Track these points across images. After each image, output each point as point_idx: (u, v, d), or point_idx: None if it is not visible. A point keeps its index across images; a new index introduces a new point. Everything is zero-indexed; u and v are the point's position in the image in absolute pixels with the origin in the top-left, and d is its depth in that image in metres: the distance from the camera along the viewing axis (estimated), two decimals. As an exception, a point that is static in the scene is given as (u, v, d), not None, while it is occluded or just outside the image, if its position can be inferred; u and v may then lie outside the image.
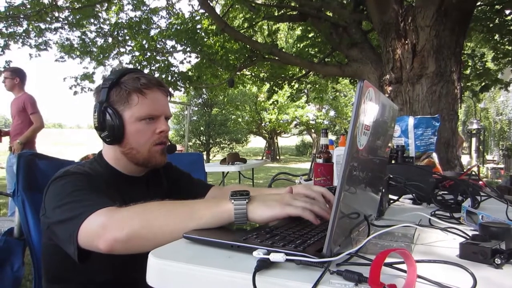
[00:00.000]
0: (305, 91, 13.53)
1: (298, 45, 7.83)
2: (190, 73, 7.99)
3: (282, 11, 6.85)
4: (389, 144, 0.89)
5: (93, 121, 1.04)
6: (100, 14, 7.51)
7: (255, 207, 0.76)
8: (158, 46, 7.70)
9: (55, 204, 0.89)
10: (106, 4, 7.26)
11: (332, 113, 26.11)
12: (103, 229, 0.77)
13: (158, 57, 7.78)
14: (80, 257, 0.82)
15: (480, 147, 13.68)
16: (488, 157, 17.49)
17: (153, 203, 0.80)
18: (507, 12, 6.07)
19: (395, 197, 1.21)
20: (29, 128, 3.86)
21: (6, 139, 4.02)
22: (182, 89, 8.07)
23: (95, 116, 1.03)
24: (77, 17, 7.03)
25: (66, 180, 0.93)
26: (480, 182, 1.40)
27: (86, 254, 0.81)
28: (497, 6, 5.82)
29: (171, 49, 7.85)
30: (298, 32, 9.10)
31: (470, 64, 6.83)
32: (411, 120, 1.83)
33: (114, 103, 1.03)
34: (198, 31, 7.47)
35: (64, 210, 0.86)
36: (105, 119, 1.02)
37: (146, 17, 7.63)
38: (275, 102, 11.06)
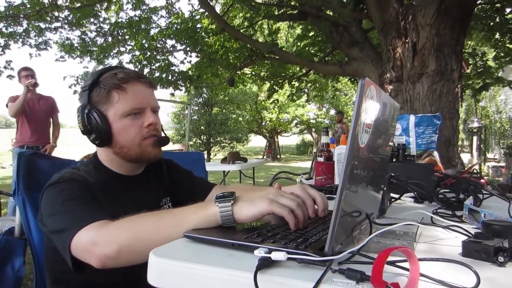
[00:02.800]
0: (306, 90, 13.52)
1: (299, 44, 7.82)
2: (190, 72, 7.99)
3: (282, 10, 6.85)
4: (390, 143, 0.89)
5: (78, 125, 1.03)
6: (99, 14, 7.51)
7: (240, 208, 0.74)
8: (158, 45, 7.69)
9: (48, 211, 0.89)
10: (106, 4, 7.25)
11: (332, 112, 26.07)
12: (93, 245, 0.77)
13: (158, 57, 7.77)
14: (76, 266, 0.82)
15: (481, 145, 13.65)
16: (489, 155, 17.47)
17: (141, 215, 0.80)
18: (508, 10, 6.06)
19: (396, 196, 1.21)
20: (49, 129, 3.97)
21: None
22: (183, 88, 8.07)
23: (79, 120, 1.01)
24: (77, 16, 7.02)
25: (59, 188, 0.92)
26: (482, 180, 1.39)
27: (81, 263, 0.81)
28: (497, 5, 5.81)
29: (171, 49, 7.84)
30: (298, 31, 9.10)
31: (471, 62, 6.83)
32: (412, 119, 1.82)
33: (96, 104, 1.01)
34: (198, 30, 7.47)
35: (56, 220, 0.87)
36: (90, 122, 1.00)
37: (146, 16, 7.63)
38: (276, 101, 11.05)
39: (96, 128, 1.00)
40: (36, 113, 3.90)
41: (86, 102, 1.01)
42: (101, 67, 7.82)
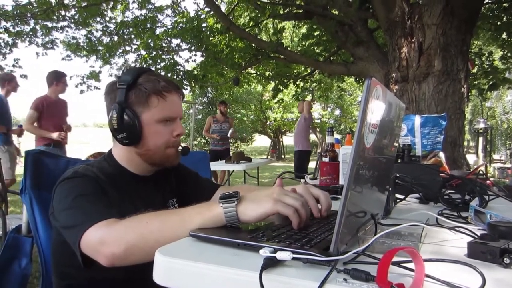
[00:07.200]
0: (311, 89, 13.49)
1: (304, 43, 7.82)
2: (195, 71, 8.01)
3: (288, 9, 6.84)
4: (396, 143, 0.88)
5: (109, 121, 1.03)
6: (105, 13, 7.55)
7: (245, 208, 0.74)
8: (163, 44, 7.72)
9: (61, 206, 0.91)
10: (112, 3, 7.29)
11: (337, 112, 26.00)
12: (102, 245, 0.78)
13: (163, 56, 7.80)
14: (86, 262, 0.83)
15: (487, 146, 13.55)
16: (495, 156, 17.33)
17: (147, 215, 0.81)
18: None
19: (401, 196, 1.20)
20: None
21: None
22: (188, 87, 8.10)
23: (114, 118, 1.01)
24: (83, 15, 7.07)
25: (74, 183, 0.94)
26: (488, 181, 1.38)
27: (91, 259, 0.83)
28: (505, 4, 5.76)
29: (176, 48, 7.87)
30: (303, 30, 9.08)
31: (477, 62, 6.78)
32: (417, 119, 1.81)
33: (132, 105, 1.02)
34: (203, 29, 7.48)
35: (68, 215, 0.88)
36: (124, 121, 1.01)
37: (151, 15, 7.66)
38: (280, 101, 11.04)
39: (129, 127, 1.01)
40: (57, 114, 4.07)
41: (123, 100, 1.02)
42: (107, 66, 7.88)
